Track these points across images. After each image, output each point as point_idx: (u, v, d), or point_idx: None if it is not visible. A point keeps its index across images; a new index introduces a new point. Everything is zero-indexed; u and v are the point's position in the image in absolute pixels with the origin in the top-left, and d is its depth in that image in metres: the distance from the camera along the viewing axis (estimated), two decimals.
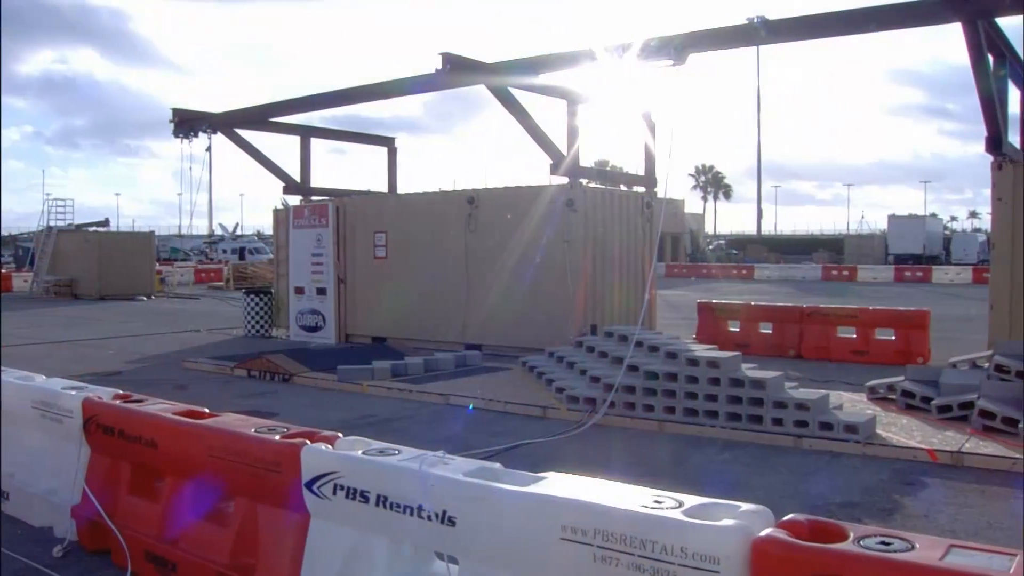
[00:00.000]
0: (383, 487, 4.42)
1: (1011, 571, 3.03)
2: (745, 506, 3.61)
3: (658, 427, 10.80)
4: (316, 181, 22.63)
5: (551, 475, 4.22)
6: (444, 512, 4.16)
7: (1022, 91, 15.95)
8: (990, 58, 13.10)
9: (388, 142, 24.00)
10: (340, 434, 5.10)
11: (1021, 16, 12.69)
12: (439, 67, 16.03)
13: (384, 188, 23.45)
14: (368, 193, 22.95)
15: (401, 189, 23.37)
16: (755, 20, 16.21)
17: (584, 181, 17.23)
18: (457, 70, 16.08)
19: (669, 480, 8.25)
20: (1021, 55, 14.71)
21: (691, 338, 16.86)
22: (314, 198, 21.94)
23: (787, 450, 9.84)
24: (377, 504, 4.44)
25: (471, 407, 12.04)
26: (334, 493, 4.63)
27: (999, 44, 13.61)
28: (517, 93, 16.62)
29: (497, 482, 4.17)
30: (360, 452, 4.71)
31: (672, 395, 10.88)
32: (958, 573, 3.02)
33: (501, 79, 16.31)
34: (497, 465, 4.45)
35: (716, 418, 10.57)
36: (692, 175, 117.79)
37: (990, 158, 13.60)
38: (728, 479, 8.77)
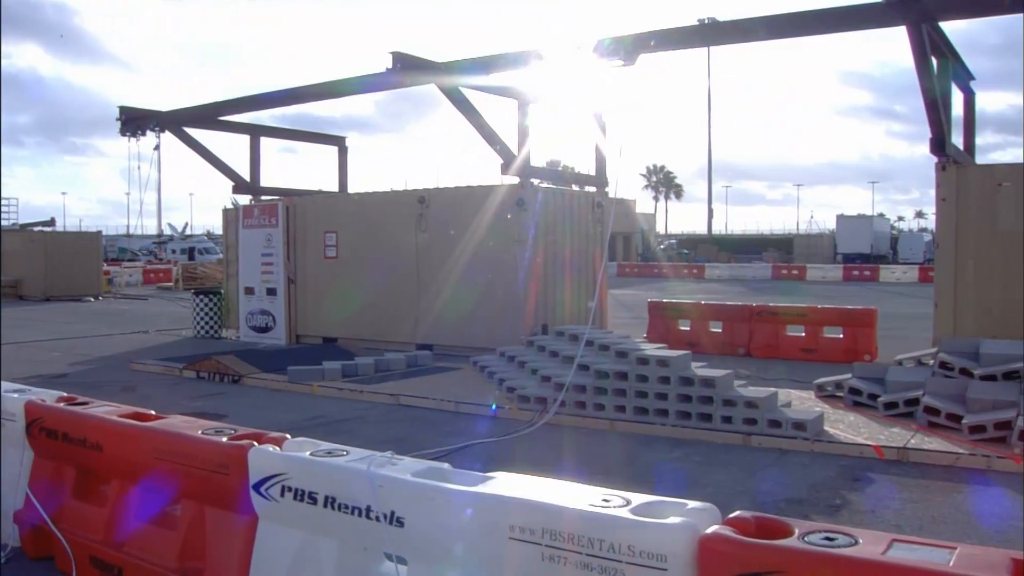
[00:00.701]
0: (331, 488, 4.40)
1: (950, 564, 3.08)
2: (692, 504, 3.63)
3: (609, 426, 10.85)
4: (266, 180, 22.46)
5: (499, 475, 4.22)
6: (392, 513, 4.14)
7: (965, 93, 16.21)
8: (934, 61, 13.31)
9: (339, 141, 23.88)
10: (288, 435, 5.07)
11: (964, 20, 12.93)
12: (389, 66, 16.00)
13: (335, 188, 23.33)
14: (319, 193, 22.82)
15: (352, 189, 23.27)
16: (705, 21, 16.34)
17: (536, 181, 17.24)
18: (407, 69, 16.07)
19: (620, 478, 8.32)
20: (964, 58, 14.95)
21: (642, 337, 16.93)
22: (264, 198, 21.78)
23: (736, 448, 9.93)
24: (325, 505, 4.41)
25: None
26: (282, 495, 4.60)
27: (942, 47, 13.83)
28: (468, 93, 16.62)
29: (445, 482, 4.16)
30: (308, 453, 4.68)
31: (622, 394, 10.93)
32: (899, 567, 3.06)
33: (452, 79, 16.29)
34: (445, 465, 4.45)
35: (666, 416, 10.64)
36: (644, 175, 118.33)
37: (935, 159, 13.81)
38: (678, 477, 8.83)
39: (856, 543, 3.24)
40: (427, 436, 10.41)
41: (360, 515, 4.27)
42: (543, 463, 9.03)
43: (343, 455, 4.59)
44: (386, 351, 16.41)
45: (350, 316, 18.97)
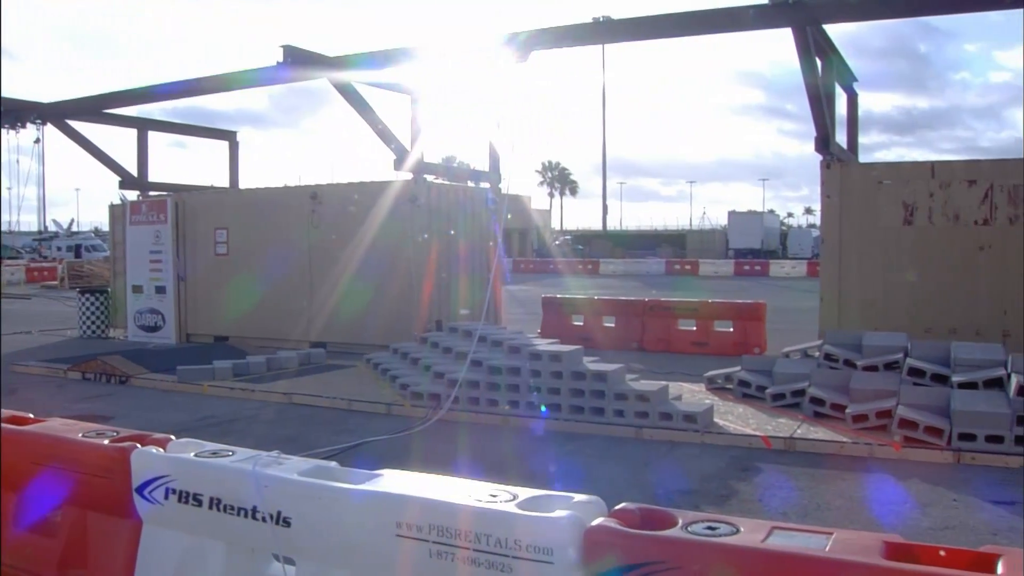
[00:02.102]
0: (216, 490, 4.32)
1: (827, 548, 3.17)
2: (578, 497, 3.66)
3: (502, 421, 10.89)
4: (155, 176, 21.99)
5: (387, 472, 4.20)
6: (279, 513, 4.08)
7: (848, 94, 16.69)
8: (818, 62, 13.66)
9: (230, 136, 23.46)
10: (173, 437, 4.96)
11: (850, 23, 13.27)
12: (280, 60, 15.79)
13: (226, 183, 22.93)
14: (210, 189, 22.40)
15: (245, 184, 22.87)
16: (600, 19, 16.50)
17: (430, 177, 17.21)
18: (298, 64, 15.86)
19: (513, 474, 8.36)
20: (852, 60, 15.37)
21: (536, 333, 17.02)
22: (153, 193, 21.32)
23: (629, 441, 10.05)
24: (211, 507, 4.32)
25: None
26: (166, 497, 4.49)
27: (827, 49, 14.21)
28: (362, 88, 16.49)
29: (332, 480, 4.12)
30: (192, 454, 4.58)
31: (516, 389, 10.98)
32: (777, 553, 3.14)
33: (344, 74, 16.13)
34: (333, 463, 4.41)
35: (559, 411, 10.72)
36: (539, 171, 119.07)
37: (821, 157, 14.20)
38: (571, 471, 8.91)
39: (737, 531, 3.32)
40: (320, 435, 10.32)
41: (246, 516, 4.20)
42: (437, 460, 9.03)
43: (229, 455, 4.51)
44: (279, 350, 16.20)
45: (242, 314, 18.66)
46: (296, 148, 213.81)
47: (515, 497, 3.68)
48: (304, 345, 16.93)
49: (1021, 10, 11.54)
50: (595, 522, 3.45)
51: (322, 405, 12.12)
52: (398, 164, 16.64)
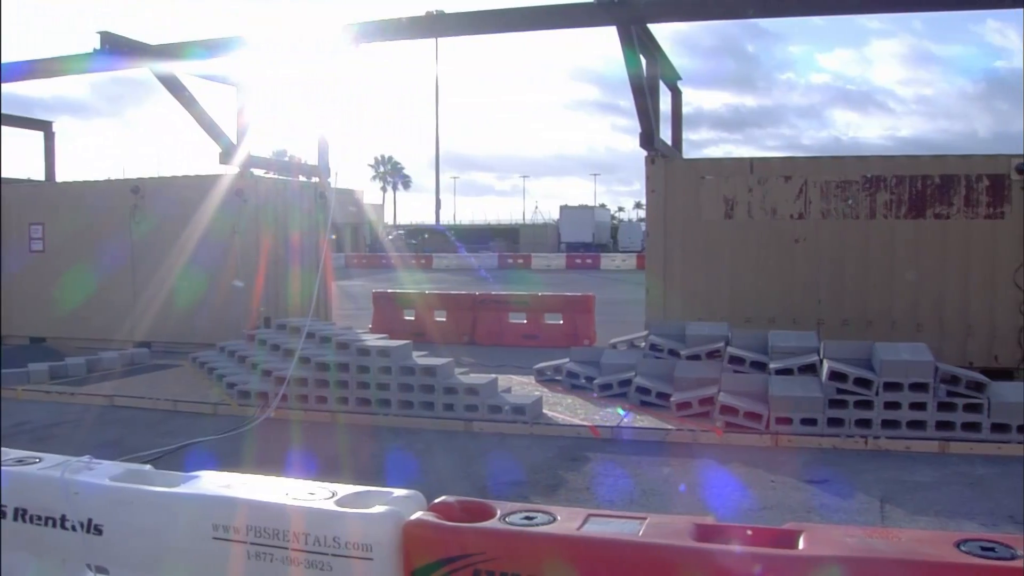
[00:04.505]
0: (21, 499, 4.12)
1: (640, 533, 3.27)
2: (398, 492, 3.67)
3: (332, 418, 10.77)
4: None
5: (205, 474, 4.10)
6: (90, 520, 3.94)
7: (672, 92, 17.15)
8: (643, 60, 13.99)
9: (45, 126, 22.33)
10: None
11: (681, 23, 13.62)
12: (98, 47, 15.18)
13: (42, 176, 21.89)
14: (25, 182, 21.33)
15: (64, 177, 21.88)
16: (434, 13, 16.51)
17: (259, 171, 16.87)
18: (117, 52, 15.27)
19: (344, 471, 8.31)
20: (687, 59, 15.79)
21: (366, 328, 16.89)
22: None
23: (459, 434, 10.11)
24: (16, 518, 4.13)
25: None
26: None
27: (651, 47, 14.57)
28: (189, 79, 16.00)
29: (146, 484, 4.00)
30: None
31: (345, 385, 10.89)
32: (591, 540, 3.22)
33: (167, 64, 15.60)
34: (147, 467, 4.28)
35: (389, 406, 10.69)
36: (372, 165, 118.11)
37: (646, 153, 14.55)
38: (401, 466, 8.89)
39: (554, 520, 3.39)
40: (144, 438, 9.98)
41: (55, 525, 4.03)
42: (267, 460, 8.88)
43: (35, 463, 4.31)
44: (101, 351, 15.57)
45: (61, 314, 17.82)
46: (120, 140, 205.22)
47: (334, 494, 3.66)
48: (129, 345, 16.33)
49: (862, 16, 12.05)
50: (413, 516, 3.47)
51: (146, 407, 11.71)
52: (225, 158, 16.24)
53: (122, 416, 11.39)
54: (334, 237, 17.44)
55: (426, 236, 78.69)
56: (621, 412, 10.65)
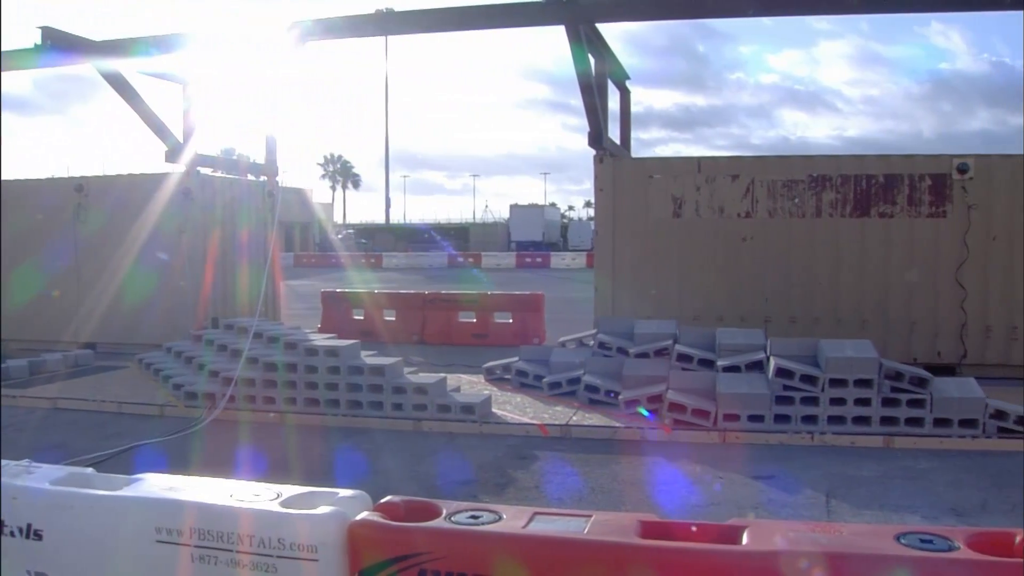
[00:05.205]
0: None
1: (586, 531, 3.28)
2: (343, 492, 3.66)
3: (280, 419, 10.70)
4: None
5: (148, 476, 4.06)
6: (29, 526, 3.88)
7: (621, 91, 17.22)
8: (591, 59, 14.05)
9: None
10: None
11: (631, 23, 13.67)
12: (38, 42, 14.92)
13: None
14: None
15: (5, 175, 21.36)
16: (383, 11, 16.45)
17: (206, 170, 16.69)
18: (59, 47, 15.02)
19: (293, 472, 8.27)
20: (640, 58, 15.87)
21: (315, 328, 16.79)
22: None
23: (408, 434, 10.09)
24: None
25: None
26: None
27: (600, 47, 14.62)
28: (133, 76, 15.77)
29: (88, 488, 3.95)
30: None
31: (293, 386, 10.82)
32: (536, 538, 3.24)
33: (111, 60, 15.37)
34: (89, 470, 4.23)
35: (338, 407, 10.65)
36: (321, 164, 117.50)
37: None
38: (350, 466, 8.86)
39: (500, 519, 3.40)
40: (89, 441, 9.82)
41: None
42: (215, 461, 8.80)
43: None
44: (45, 352, 15.32)
45: (2, 316, 17.53)
46: (64, 137, 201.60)
47: (279, 495, 3.64)
48: (74, 347, 16.07)
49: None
50: (359, 516, 3.46)
51: (90, 409, 11.55)
52: (171, 156, 16.03)
53: (66, 419, 11.21)
54: (272, 238, 17.15)
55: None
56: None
